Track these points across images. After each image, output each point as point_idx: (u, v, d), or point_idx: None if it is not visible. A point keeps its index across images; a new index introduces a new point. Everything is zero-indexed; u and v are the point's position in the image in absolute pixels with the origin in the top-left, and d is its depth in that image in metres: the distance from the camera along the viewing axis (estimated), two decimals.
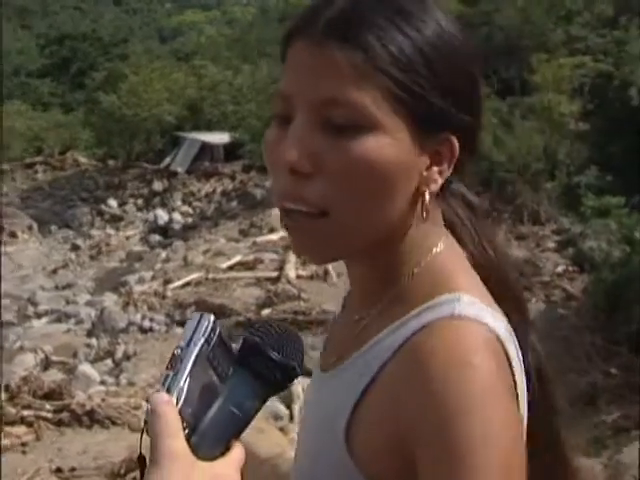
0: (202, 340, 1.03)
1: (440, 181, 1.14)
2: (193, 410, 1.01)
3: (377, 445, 1.07)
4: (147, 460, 1.01)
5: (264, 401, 1.07)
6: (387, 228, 1.13)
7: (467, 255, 1.19)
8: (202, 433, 1.01)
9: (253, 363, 1.05)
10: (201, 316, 1.06)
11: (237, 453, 1.04)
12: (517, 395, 1.07)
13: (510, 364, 1.07)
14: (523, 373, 1.12)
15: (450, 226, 1.21)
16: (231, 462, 1.03)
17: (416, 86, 1.06)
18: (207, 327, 1.04)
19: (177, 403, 1.01)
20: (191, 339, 1.03)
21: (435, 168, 1.13)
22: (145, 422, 1.01)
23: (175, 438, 0.99)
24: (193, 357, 1.02)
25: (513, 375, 1.07)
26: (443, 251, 1.16)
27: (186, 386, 1.01)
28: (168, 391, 1.01)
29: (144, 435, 1.02)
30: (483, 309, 1.07)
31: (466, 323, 1.04)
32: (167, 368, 1.03)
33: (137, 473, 1.06)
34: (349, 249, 1.15)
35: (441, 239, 1.18)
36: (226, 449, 1.03)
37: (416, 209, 1.13)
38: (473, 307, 1.07)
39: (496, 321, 1.07)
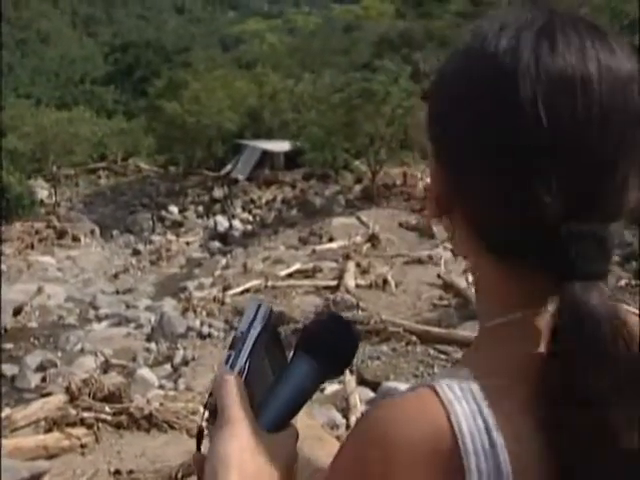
0: (261, 325, 1.11)
1: None
2: (252, 388, 1.08)
3: None
4: (205, 433, 1.09)
5: (320, 384, 1.12)
6: None
7: None
8: (263, 409, 1.08)
9: (311, 348, 1.11)
10: (260, 303, 1.13)
11: (294, 429, 1.11)
12: None
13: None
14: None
15: None
16: (289, 435, 1.10)
17: None
18: (265, 313, 1.12)
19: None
20: (251, 323, 1.11)
21: None
22: (210, 394, 1.09)
23: (242, 405, 1.06)
24: (253, 340, 1.10)
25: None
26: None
27: (247, 365, 1.08)
28: (231, 368, 1.09)
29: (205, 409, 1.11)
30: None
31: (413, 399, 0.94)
32: (229, 349, 1.11)
33: (194, 478, 1.13)
34: None
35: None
36: (283, 426, 1.09)
37: None
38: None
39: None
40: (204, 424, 1.12)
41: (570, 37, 0.96)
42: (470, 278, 13.35)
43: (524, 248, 0.96)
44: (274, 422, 1.08)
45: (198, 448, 1.13)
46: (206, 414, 1.11)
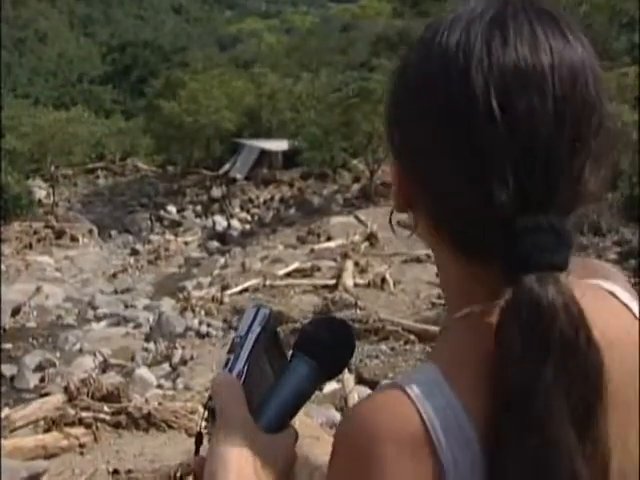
0: (259, 329, 1.12)
1: None
2: (251, 390, 1.10)
3: None
4: (204, 440, 1.11)
5: (318, 385, 1.14)
6: None
7: None
8: (262, 411, 1.09)
9: (310, 349, 1.12)
10: (259, 307, 1.15)
11: (293, 430, 1.12)
12: None
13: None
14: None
15: None
16: (288, 436, 1.11)
17: None
18: (264, 317, 1.13)
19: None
20: (250, 327, 1.13)
21: None
22: (209, 398, 1.10)
23: (240, 407, 1.07)
24: (251, 343, 1.11)
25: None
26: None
27: (246, 368, 1.10)
28: (230, 372, 1.11)
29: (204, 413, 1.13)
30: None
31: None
32: (228, 352, 1.13)
33: (191, 477, 1.14)
34: None
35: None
36: (281, 427, 1.10)
37: None
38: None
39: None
40: (204, 425, 1.13)
41: (522, 26, 0.95)
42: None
43: (482, 242, 0.96)
44: (273, 423, 1.09)
45: (197, 451, 1.14)
46: (205, 417, 1.13)
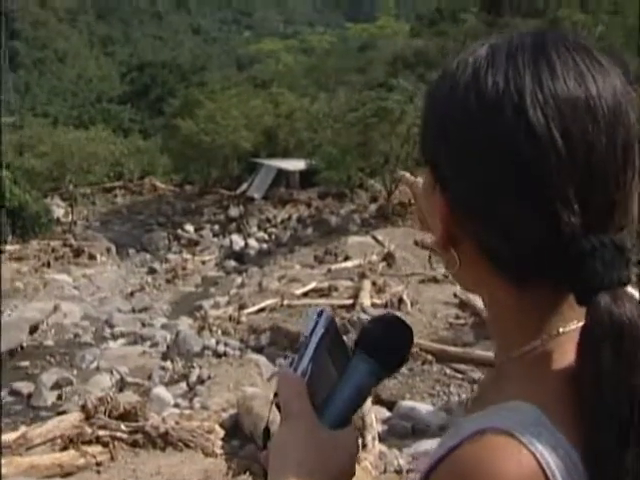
0: (323, 330, 1.17)
1: None
2: (315, 388, 1.15)
3: None
4: (271, 433, 1.15)
5: (378, 381, 1.18)
6: None
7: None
8: (324, 407, 1.15)
9: (367, 346, 1.17)
10: (322, 309, 1.20)
11: (354, 427, 1.17)
12: None
13: None
14: None
15: None
16: (350, 432, 1.15)
17: None
18: (327, 319, 1.19)
19: None
20: (314, 329, 1.18)
21: None
22: (275, 395, 1.15)
23: (303, 403, 1.12)
24: (315, 344, 1.17)
25: None
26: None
27: (310, 368, 1.15)
28: (295, 370, 1.16)
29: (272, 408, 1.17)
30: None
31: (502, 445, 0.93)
32: (293, 354, 1.20)
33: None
34: None
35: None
36: (344, 423, 1.15)
37: None
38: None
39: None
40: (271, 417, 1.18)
41: (565, 57, 0.99)
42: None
43: (544, 269, 0.97)
44: (335, 419, 1.14)
45: (265, 446, 1.17)
46: (272, 411, 1.17)
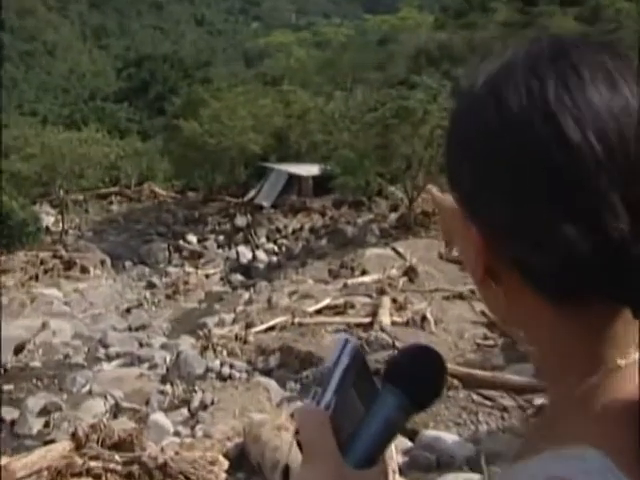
0: (347, 360, 1.17)
1: None
2: (340, 423, 1.14)
3: None
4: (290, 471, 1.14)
5: (408, 416, 1.18)
6: None
7: None
8: (349, 445, 1.13)
9: (395, 379, 1.16)
10: (347, 338, 1.19)
11: (383, 467, 1.16)
12: None
13: None
14: None
15: None
16: (377, 474, 1.14)
17: None
18: (353, 349, 1.17)
19: None
20: (338, 359, 1.17)
21: None
22: (296, 432, 1.15)
23: (327, 441, 1.11)
24: (339, 375, 1.16)
25: None
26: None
27: (333, 401, 1.14)
28: (318, 404, 1.15)
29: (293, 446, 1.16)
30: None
31: None
32: (316, 385, 1.18)
33: None
34: None
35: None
36: (371, 462, 1.14)
37: None
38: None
39: None
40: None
41: (588, 60, 1.00)
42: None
43: (591, 280, 0.97)
44: (361, 458, 1.13)
45: None
46: (292, 449, 1.18)
